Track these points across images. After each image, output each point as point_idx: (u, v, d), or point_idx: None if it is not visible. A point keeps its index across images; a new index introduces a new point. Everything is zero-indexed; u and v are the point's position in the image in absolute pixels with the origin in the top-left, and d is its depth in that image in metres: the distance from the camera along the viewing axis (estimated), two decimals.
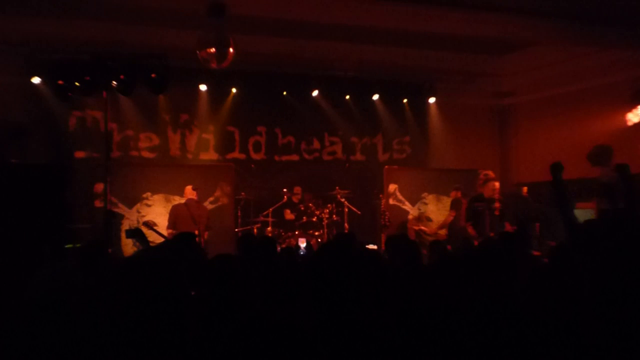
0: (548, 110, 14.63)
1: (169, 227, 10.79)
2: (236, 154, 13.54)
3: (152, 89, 10.41)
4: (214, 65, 9.90)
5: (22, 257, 7.58)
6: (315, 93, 13.67)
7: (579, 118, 13.70)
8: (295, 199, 12.94)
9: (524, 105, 15.65)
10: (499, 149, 16.05)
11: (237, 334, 1.89)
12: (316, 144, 14.23)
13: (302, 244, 12.14)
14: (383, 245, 10.96)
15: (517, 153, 15.82)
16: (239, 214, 12.40)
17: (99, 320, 2.88)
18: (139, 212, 11.56)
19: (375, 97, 14.25)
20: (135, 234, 6.32)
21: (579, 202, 12.99)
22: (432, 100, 14.72)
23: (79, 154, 12.14)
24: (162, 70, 10.15)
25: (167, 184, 11.78)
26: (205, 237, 10.69)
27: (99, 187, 11.48)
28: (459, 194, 12.21)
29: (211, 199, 12.08)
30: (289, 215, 12.80)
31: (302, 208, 12.66)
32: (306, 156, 14.14)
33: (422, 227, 13.06)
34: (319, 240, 12.12)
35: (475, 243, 9.57)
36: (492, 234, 10.43)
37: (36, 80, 11.50)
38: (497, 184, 10.93)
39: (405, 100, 14.59)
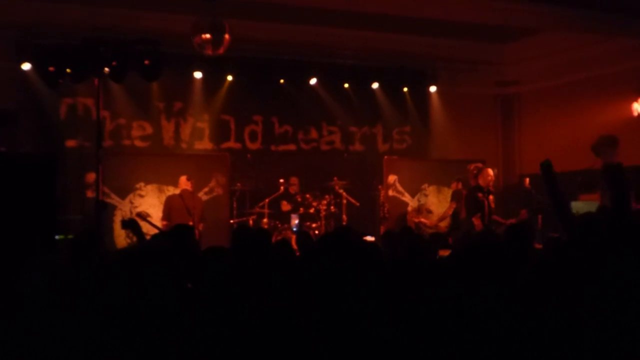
0: (552, 99, 14.62)
1: (163, 219, 10.78)
2: (231, 144, 13.51)
3: (145, 76, 10.35)
4: (209, 52, 9.85)
5: (11, 249, 7.55)
6: (313, 81, 13.63)
7: (584, 108, 13.69)
8: (292, 190, 12.93)
9: (527, 95, 15.63)
10: (502, 139, 16.05)
11: (231, 330, 1.87)
12: (314, 134, 14.21)
13: (295, 220, 12.15)
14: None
15: (520, 143, 15.82)
16: (234, 205, 12.40)
17: (91, 315, 2.87)
18: (131, 202, 11.55)
19: (375, 85, 14.22)
20: (131, 224, 6.29)
21: (582, 194, 13.01)
22: (433, 89, 14.70)
23: (70, 143, 12.11)
24: (156, 57, 10.09)
25: (160, 174, 11.76)
26: (200, 229, 10.68)
27: (91, 177, 11.44)
28: (460, 186, 12.21)
29: (206, 189, 12.07)
30: (285, 206, 12.79)
31: (299, 199, 12.65)
32: (303, 146, 14.11)
33: (422, 220, 13.06)
34: (317, 232, 12.12)
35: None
36: (493, 227, 10.44)
37: (26, 66, 11.45)
38: (491, 172, 10.91)
39: (405, 89, 14.55)
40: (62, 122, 12.14)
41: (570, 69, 13.87)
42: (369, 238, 11.10)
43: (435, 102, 14.90)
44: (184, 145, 13.11)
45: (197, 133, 13.24)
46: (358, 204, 13.07)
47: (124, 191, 11.57)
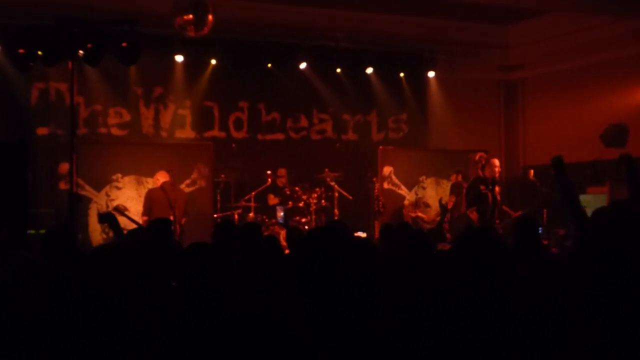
0: (559, 85, 14.65)
1: (144, 214, 10.73)
2: (215, 132, 13.49)
3: (122, 59, 10.32)
4: (191, 33, 9.85)
5: None
6: (303, 65, 13.61)
7: (593, 94, 13.73)
8: (279, 182, 12.92)
9: (532, 80, 15.66)
10: (505, 128, 16.08)
11: (212, 332, 1.87)
12: (304, 122, 14.20)
13: (280, 213, 12.15)
14: (377, 233, 11.00)
15: (524, 133, 15.86)
16: (218, 198, 12.38)
17: (65, 314, 2.86)
18: (108, 195, 11.53)
19: (370, 70, 14.21)
20: (108, 219, 6.28)
21: (590, 187, 13.06)
22: (431, 74, 14.69)
23: (42, 131, 12.06)
24: (134, 39, 10.06)
25: (138, 164, 11.74)
26: (182, 223, 10.67)
27: (64, 167, 11.41)
28: (459, 178, 12.24)
29: (187, 181, 12.05)
30: (272, 199, 12.78)
31: (288, 192, 12.64)
32: (292, 135, 14.11)
33: (420, 214, 13.09)
34: (306, 227, 12.11)
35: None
36: (497, 222, 10.46)
37: None
38: (497, 162, 10.94)
39: (402, 74, 14.55)
40: (33, 109, 12.09)
41: (579, 52, 13.89)
42: (361, 234, 11.13)
43: (434, 88, 14.91)
44: (164, 134, 13.08)
45: (179, 121, 13.21)
46: (351, 198, 13.07)
47: (100, 183, 11.53)
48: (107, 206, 11.23)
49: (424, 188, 13.61)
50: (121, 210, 10.05)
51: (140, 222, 10.22)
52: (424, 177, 13.64)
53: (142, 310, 2.13)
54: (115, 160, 11.69)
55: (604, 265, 2.37)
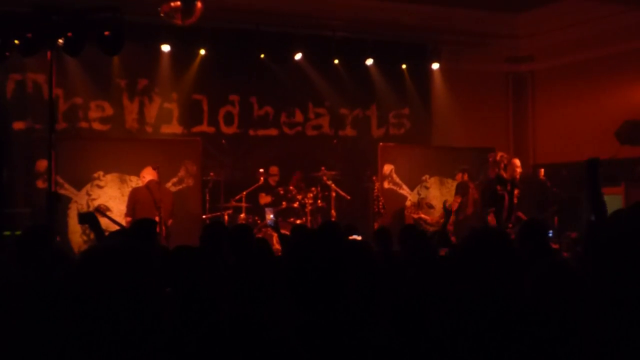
0: (570, 78, 14.67)
1: (127, 214, 10.73)
2: (204, 127, 13.50)
3: (104, 49, 10.31)
4: (178, 22, 9.85)
5: None
6: (298, 56, 13.63)
7: (607, 88, 13.76)
8: (272, 181, 12.93)
9: (542, 72, 15.69)
10: (513, 123, 16.11)
11: (201, 340, 1.89)
12: (299, 117, 14.22)
13: (270, 215, 12.16)
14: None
15: (533, 129, 15.89)
16: (207, 198, 12.38)
17: (41, 323, 2.88)
18: (88, 194, 11.52)
19: (369, 61, 14.23)
20: (89, 219, 6.30)
21: (604, 187, 13.08)
22: (435, 65, 14.73)
23: (18, 125, 12.06)
24: (117, 27, 10.05)
25: (122, 161, 11.73)
26: (169, 224, 10.68)
27: (42, 164, 11.42)
28: (465, 177, 12.25)
29: (174, 180, 12.05)
30: (264, 199, 12.79)
31: (282, 192, 12.64)
32: (287, 130, 14.12)
33: (423, 215, 13.11)
34: None
35: None
36: (510, 225, 10.48)
37: None
38: (518, 162, 10.98)
39: (404, 66, 14.58)
40: (9, 102, 12.09)
41: (592, 43, 13.91)
42: (356, 237, 11.10)
43: (438, 81, 14.94)
44: (149, 129, 13.09)
45: (165, 115, 13.22)
46: (349, 198, 13.10)
47: (80, 181, 11.52)
48: (88, 206, 11.23)
49: (427, 188, 13.62)
50: (103, 211, 10.07)
51: (123, 223, 10.23)
52: (427, 176, 13.65)
53: (136, 314, 2.15)
54: (97, 157, 11.68)
55: (621, 268, 2.40)
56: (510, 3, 13.43)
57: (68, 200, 11.33)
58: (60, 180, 11.11)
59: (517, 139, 15.98)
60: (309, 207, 12.52)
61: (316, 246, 3.05)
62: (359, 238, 10.34)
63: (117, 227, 9.36)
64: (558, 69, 15.06)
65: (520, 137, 15.97)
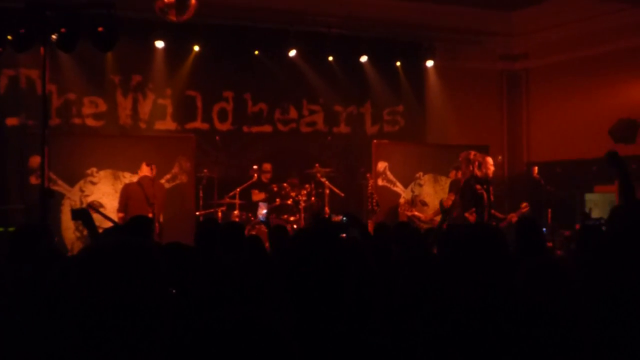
0: (565, 76, 14.69)
1: (119, 210, 10.75)
2: (198, 124, 13.49)
3: (98, 45, 10.31)
4: (172, 18, 9.83)
5: None
6: (292, 53, 13.61)
7: (601, 86, 13.78)
8: (264, 178, 12.92)
9: (537, 70, 15.71)
10: (508, 121, 16.13)
11: (192, 341, 1.89)
12: (293, 113, 14.22)
13: (263, 210, 12.15)
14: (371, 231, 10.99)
15: (528, 127, 15.91)
16: (201, 194, 12.38)
17: (35, 321, 2.87)
18: (82, 190, 11.51)
19: (364, 58, 14.22)
20: (82, 215, 6.28)
21: (598, 185, 13.14)
22: (430, 63, 14.71)
23: (11, 121, 12.03)
24: (111, 23, 10.05)
25: (115, 158, 11.71)
26: (161, 221, 10.67)
27: (35, 160, 11.40)
28: (459, 174, 12.25)
29: (168, 176, 12.04)
30: (257, 195, 12.78)
31: (275, 189, 12.64)
32: (281, 127, 14.12)
33: (416, 213, 13.10)
34: (295, 226, 12.13)
35: None
36: (494, 223, 10.50)
37: None
38: (491, 160, 10.98)
39: (398, 63, 14.58)
40: (2, 97, 12.06)
41: (587, 41, 13.92)
42: (337, 218, 11.04)
43: (432, 78, 14.94)
44: (142, 125, 13.07)
45: (158, 111, 13.20)
46: (343, 195, 13.10)
47: (73, 177, 11.50)
48: (81, 202, 11.21)
49: (421, 185, 13.63)
50: (96, 207, 10.04)
51: (116, 219, 10.21)
52: (421, 173, 13.65)
53: (140, 313, 2.14)
54: (90, 154, 11.66)
55: (621, 267, 2.41)
56: (504, 1, 13.44)
57: (61, 196, 11.31)
58: (54, 177, 11.09)
59: (511, 136, 16.01)
60: (303, 204, 12.52)
61: (312, 245, 3.04)
62: (341, 217, 10.28)
63: (110, 224, 9.35)
64: (552, 67, 15.08)
65: (515, 134, 15.99)
